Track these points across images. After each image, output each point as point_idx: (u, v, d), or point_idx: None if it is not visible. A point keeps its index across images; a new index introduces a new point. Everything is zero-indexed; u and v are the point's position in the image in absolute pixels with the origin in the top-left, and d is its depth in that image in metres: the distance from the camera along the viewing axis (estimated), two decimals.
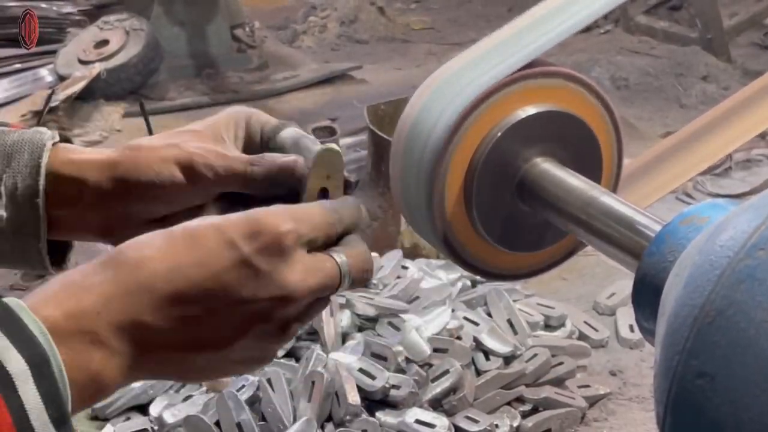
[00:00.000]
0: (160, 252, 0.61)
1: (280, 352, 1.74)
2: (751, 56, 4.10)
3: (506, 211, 0.78)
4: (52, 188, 0.75)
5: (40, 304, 0.58)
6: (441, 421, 1.63)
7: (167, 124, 3.31)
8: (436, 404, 1.69)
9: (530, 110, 0.77)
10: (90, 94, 3.36)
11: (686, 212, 0.62)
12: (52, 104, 3.16)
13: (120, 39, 3.47)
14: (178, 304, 0.60)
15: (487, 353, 1.80)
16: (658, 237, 0.63)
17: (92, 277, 0.60)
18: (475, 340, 1.80)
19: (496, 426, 1.67)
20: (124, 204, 0.74)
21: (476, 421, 1.67)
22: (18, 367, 0.54)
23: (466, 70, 0.77)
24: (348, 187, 0.74)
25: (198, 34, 3.66)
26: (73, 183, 0.75)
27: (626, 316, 2.04)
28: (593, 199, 0.73)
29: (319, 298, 0.65)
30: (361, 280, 0.66)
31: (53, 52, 3.64)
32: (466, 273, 1.91)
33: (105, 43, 3.51)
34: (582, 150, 0.80)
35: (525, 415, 1.73)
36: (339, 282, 0.65)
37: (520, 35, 0.78)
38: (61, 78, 3.46)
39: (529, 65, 0.76)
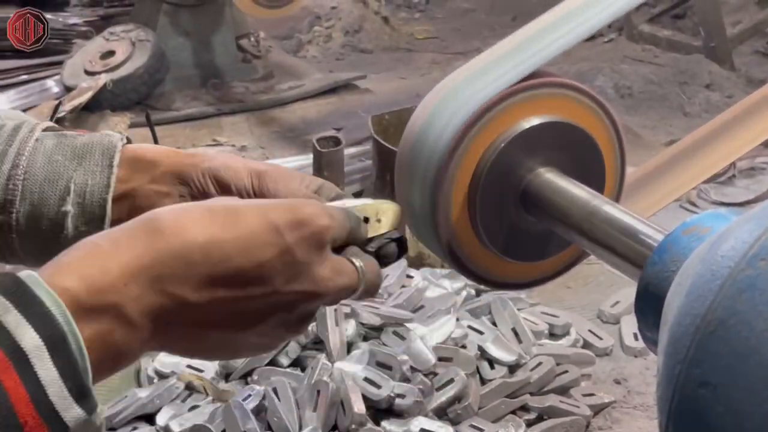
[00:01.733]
0: (199, 223, 0.59)
1: (286, 361, 1.74)
2: (755, 64, 4.10)
3: (510, 220, 0.79)
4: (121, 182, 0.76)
5: (61, 275, 0.57)
6: (446, 430, 1.63)
7: (173, 134, 3.31)
8: (441, 413, 1.69)
9: (533, 120, 0.77)
10: (96, 105, 3.37)
11: (688, 222, 0.63)
12: (59, 115, 3.18)
13: (126, 50, 3.49)
14: (212, 283, 0.59)
15: (492, 362, 1.80)
16: (660, 247, 0.63)
17: (121, 244, 0.58)
18: (480, 348, 1.80)
19: None
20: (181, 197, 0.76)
21: (481, 430, 1.67)
22: (32, 343, 0.53)
23: (470, 81, 0.78)
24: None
25: (203, 44, 3.67)
26: (146, 166, 0.77)
27: (630, 325, 2.04)
28: (596, 208, 0.74)
29: (337, 299, 0.66)
30: (372, 290, 0.67)
31: (59, 63, 3.65)
32: (470, 282, 1.91)
33: (111, 54, 3.53)
34: (585, 160, 0.80)
35: (530, 424, 1.73)
36: (356, 286, 0.66)
37: (523, 46, 0.79)
38: (68, 89, 3.47)
39: (532, 76, 0.77)
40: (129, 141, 0.81)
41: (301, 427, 1.62)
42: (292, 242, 0.61)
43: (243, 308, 0.61)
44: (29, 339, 0.53)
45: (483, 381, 1.77)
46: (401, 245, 0.73)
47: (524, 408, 1.76)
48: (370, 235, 0.70)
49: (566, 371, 1.83)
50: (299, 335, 0.68)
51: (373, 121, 2.41)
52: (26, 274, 0.57)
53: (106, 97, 3.40)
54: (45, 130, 0.81)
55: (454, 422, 1.68)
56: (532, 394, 1.78)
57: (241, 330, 0.62)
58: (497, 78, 0.76)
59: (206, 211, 0.60)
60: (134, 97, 3.48)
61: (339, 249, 0.67)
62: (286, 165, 3.02)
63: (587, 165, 0.80)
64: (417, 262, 2.09)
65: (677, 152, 0.94)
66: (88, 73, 3.49)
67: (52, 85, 3.61)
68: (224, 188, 0.76)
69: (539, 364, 1.81)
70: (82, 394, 0.55)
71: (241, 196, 0.74)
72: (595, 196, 0.76)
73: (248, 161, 0.78)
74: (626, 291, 2.12)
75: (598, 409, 1.80)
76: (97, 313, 0.56)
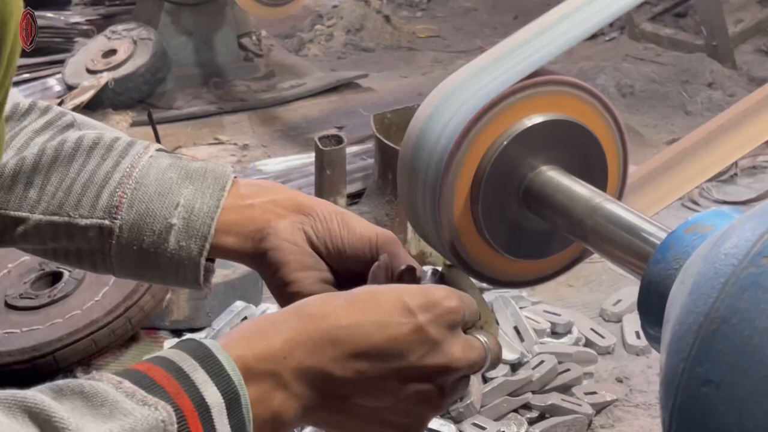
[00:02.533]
0: (343, 308, 0.66)
1: None
2: (757, 63, 4.10)
3: (512, 218, 0.79)
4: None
5: (234, 345, 0.63)
6: (448, 428, 1.63)
7: (175, 132, 3.32)
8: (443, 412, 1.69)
9: (536, 119, 0.77)
10: (98, 104, 3.38)
11: (691, 220, 0.63)
12: None
13: (128, 48, 3.49)
14: (355, 358, 0.65)
15: None
16: (663, 245, 0.63)
17: (280, 325, 0.65)
18: None
19: None
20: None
21: (483, 428, 1.67)
22: (215, 400, 0.60)
23: (472, 79, 0.78)
24: None
25: (205, 43, 3.67)
26: (267, 192, 0.81)
27: (633, 323, 2.04)
28: (599, 206, 0.74)
29: (466, 375, 0.71)
30: (497, 363, 0.74)
31: (61, 62, 3.65)
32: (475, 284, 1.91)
33: (113, 52, 3.53)
34: (587, 158, 0.80)
35: (532, 422, 1.73)
36: (485, 361, 0.72)
37: (525, 45, 0.79)
38: (70, 88, 3.48)
39: (535, 74, 0.77)
40: (237, 176, 0.83)
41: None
42: (423, 321, 0.67)
43: (383, 381, 0.67)
44: (213, 396, 0.60)
45: (485, 379, 1.78)
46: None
47: (526, 406, 1.76)
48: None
49: (568, 369, 1.84)
50: (438, 414, 0.73)
51: (375, 119, 2.41)
52: (209, 341, 0.63)
53: (108, 95, 3.41)
54: (159, 150, 0.84)
55: (457, 420, 1.68)
56: (534, 392, 1.78)
57: (382, 403, 0.67)
58: (499, 76, 0.76)
59: (350, 298, 0.68)
60: (136, 96, 3.48)
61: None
62: (288, 164, 3.03)
63: (590, 163, 0.80)
64: (419, 261, 2.10)
65: (679, 151, 0.94)
66: (89, 71, 3.49)
67: (54, 83, 3.61)
68: (350, 232, 0.79)
69: (541, 362, 1.81)
70: None
71: (357, 261, 0.79)
72: (598, 194, 0.76)
73: (377, 230, 0.81)
74: (628, 289, 2.12)
75: (600, 408, 1.80)
76: (263, 379, 0.63)
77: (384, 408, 0.68)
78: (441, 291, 0.70)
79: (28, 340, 1.93)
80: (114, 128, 0.88)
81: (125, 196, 0.79)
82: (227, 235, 0.80)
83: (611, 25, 4.25)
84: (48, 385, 0.59)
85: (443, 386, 0.69)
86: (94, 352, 1.94)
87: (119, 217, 0.79)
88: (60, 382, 0.59)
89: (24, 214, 0.80)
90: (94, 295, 1.99)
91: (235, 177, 0.82)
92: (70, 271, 2.04)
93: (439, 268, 0.80)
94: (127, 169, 0.80)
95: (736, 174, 2.82)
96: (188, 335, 2.03)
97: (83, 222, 0.79)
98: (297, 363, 0.64)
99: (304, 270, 0.78)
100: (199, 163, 0.82)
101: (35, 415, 0.55)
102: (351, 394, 0.66)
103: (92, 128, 0.85)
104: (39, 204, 0.80)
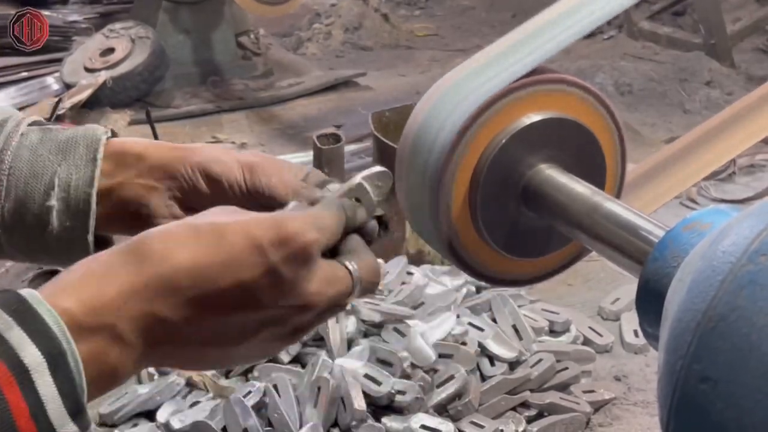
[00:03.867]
0: (186, 247, 0.60)
1: (286, 358, 1.74)
2: (755, 61, 4.10)
3: (511, 217, 0.79)
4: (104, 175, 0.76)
5: (60, 296, 0.58)
6: (446, 427, 1.63)
7: (173, 131, 3.31)
8: (441, 410, 1.69)
9: (534, 117, 0.77)
10: (96, 102, 3.38)
11: (689, 218, 0.63)
12: (59, 112, 3.18)
13: (126, 47, 3.49)
14: (198, 305, 0.60)
15: (492, 359, 1.80)
16: (661, 243, 0.63)
17: (114, 269, 0.60)
18: (480, 345, 1.80)
19: (502, 431, 1.67)
20: (166, 188, 0.76)
21: (481, 427, 1.67)
22: (34, 359, 0.55)
23: (470, 77, 0.78)
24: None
25: (203, 41, 3.67)
26: (132, 160, 0.76)
27: (631, 322, 2.04)
28: (597, 205, 0.74)
29: (331, 306, 0.66)
30: (370, 289, 0.67)
31: (59, 60, 3.65)
32: (470, 279, 1.91)
33: (111, 51, 3.53)
34: (586, 156, 0.80)
35: (530, 420, 1.73)
36: (351, 291, 0.66)
37: (523, 43, 0.79)
38: (68, 86, 3.47)
39: (533, 72, 0.77)
40: (114, 134, 0.80)
41: (301, 424, 1.62)
42: (276, 261, 0.61)
43: (231, 327, 0.62)
44: (31, 355, 0.55)
45: (483, 378, 1.78)
46: (381, 223, 0.72)
47: (524, 405, 1.76)
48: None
49: (566, 368, 1.84)
50: (294, 344, 0.69)
51: (374, 118, 2.41)
52: (28, 292, 0.58)
53: (106, 94, 3.40)
54: (31, 124, 0.80)
55: (455, 419, 1.68)
56: (532, 390, 1.78)
57: (232, 345, 0.63)
58: (497, 75, 0.76)
59: (192, 233, 0.61)
60: (134, 95, 3.48)
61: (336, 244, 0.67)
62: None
63: (588, 161, 0.80)
64: (417, 259, 2.10)
65: (677, 149, 0.94)
66: (87, 70, 3.49)
67: (52, 82, 3.61)
68: (214, 182, 0.75)
69: (539, 360, 1.81)
70: (77, 412, 0.56)
71: (233, 190, 0.75)
72: (596, 193, 0.76)
73: (238, 153, 0.77)
74: (627, 288, 2.12)
75: (598, 406, 1.80)
76: (93, 333, 0.58)
77: (231, 349, 0.63)
78: (296, 222, 0.63)
79: None
80: (6, 106, 0.85)
81: (1, 183, 0.76)
82: (109, 217, 0.77)
83: (609, 23, 4.25)
84: None
85: (299, 324, 0.64)
86: None
87: (0, 205, 0.76)
88: None
89: None
90: None
91: (108, 137, 0.78)
92: None
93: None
94: (0, 154, 0.77)
95: (734, 172, 2.83)
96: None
97: None
98: (133, 312, 0.59)
99: None
100: (69, 132, 0.78)
101: None
102: (193, 341, 0.62)
103: None
104: None
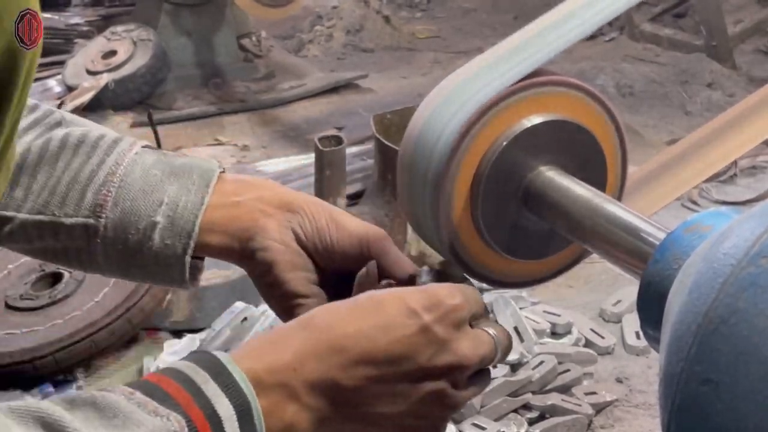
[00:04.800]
0: (348, 317, 0.67)
1: None
2: (756, 63, 4.10)
3: (512, 219, 0.79)
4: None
5: (244, 358, 0.64)
6: (448, 428, 1.63)
7: (175, 133, 3.32)
8: None
9: (535, 119, 0.77)
10: (98, 105, 3.38)
11: (690, 220, 0.63)
12: None
13: (127, 49, 3.49)
14: (364, 364, 0.66)
15: None
16: (662, 245, 0.63)
17: (288, 338, 0.66)
18: None
19: None
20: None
21: (483, 429, 1.67)
22: (227, 412, 0.60)
23: (471, 80, 0.78)
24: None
25: (205, 44, 3.67)
26: (254, 188, 0.80)
27: (632, 323, 2.04)
28: (598, 207, 0.74)
29: (481, 370, 0.71)
30: (507, 352, 0.73)
31: (61, 63, 3.66)
32: (472, 281, 1.91)
33: (113, 53, 3.53)
34: (587, 158, 0.80)
35: (532, 422, 1.73)
36: (495, 353, 0.71)
37: (525, 45, 0.79)
38: (70, 88, 3.48)
39: (534, 74, 0.77)
40: (224, 170, 0.82)
41: None
42: (429, 321, 0.67)
43: (393, 385, 0.67)
44: (224, 408, 0.60)
45: None
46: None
47: (526, 406, 1.76)
48: None
49: (568, 370, 1.84)
50: (453, 413, 0.73)
51: (375, 120, 2.41)
52: (220, 353, 0.64)
53: (108, 96, 3.41)
54: (144, 147, 0.83)
55: (457, 421, 1.69)
56: (534, 392, 1.78)
57: (396, 408, 0.67)
58: (499, 77, 0.76)
59: (353, 305, 0.68)
60: (136, 97, 3.48)
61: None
62: (288, 164, 3.03)
63: (589, 163, 0.80)
64: (419, 261, 2.10)
65: (678, 151, 0.94)
66: (89, 72, 3.50)
67: (54, 84, 3.61)
68: (328, 246, 0.78)
69: (541, 362, 1.81)
70: None
71: (345, 261, 0.78)
72: (597, 195, 0.76)
73: (366, 227, 0.80)
74: (628, 290, 2.12)
75: (599, 408, 1.80)
76: (274, 390, 0.64)
77: (398, 413, 0.68)
78: (444, 289, 0.70)
79: (29, 341, 1.93)
80: (102, 126, 0.87)
81: (110, 194, 0.78)
82: (213, 234, 0.78)
83: (611, 25, 4.26)
84: (61, 396, 0.59)
85: (456, 383, 0.69)
86: (94, 353, 1.95)
87: (104, 215, 0.78)
88: (72, 394, 0.60)
89: (10, 214, 0.79)
90: (95, 296, 1.99)
91: (222, 172, 0.81)
92: (70, 273, 2.05)
93: (435, 266, 0.80)
94: (112, 167, 0.79)
95: (735, 174, 2.83)
96: (188, 336, 2.03)
97: (68, 221, 0.78)
98: (307, 374, 0.64)
99: (294, 270, 0.78)
100: (184, 159, 0.81)
101: (49, 425, 0.55)
102: (363, 401, 0.66)
103: (81, 126, 0.84)
104: (25, 203, 0.79)
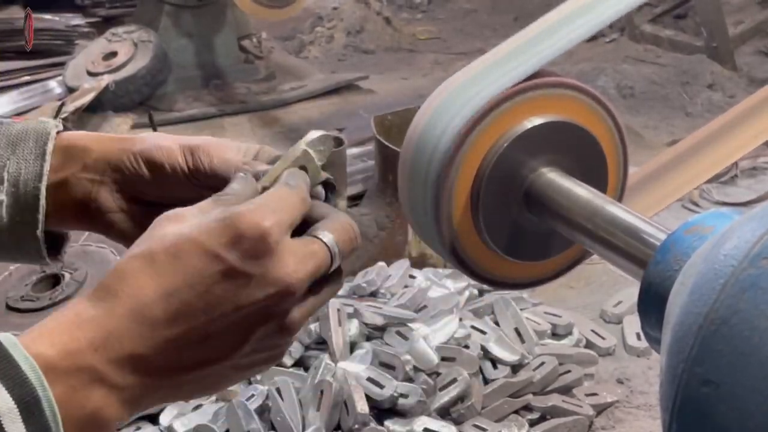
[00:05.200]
0: (149, 279, 0.60)
1: (289, 361, 1.74)
2: (757, 64, 4.10)
3: (513, 220, 0.79)
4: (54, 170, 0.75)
5: (35, 341, 0.57)
6: (449, 430, 1.63)
7: (176, 134, 3.32)
8: (444, 413, 1.69)
9: (536, 120, 0.78)
10: (99, 106, 3.38)
11: (691, 221, 0.63)
12: (62, 116, 3.18)
13: (128, 51, 3.50)
14: (175, 327, 0.60)
15: (495, 362, 1.80)
16: (663, 246, 0.63)
17: (87, 313, 0.59)
18: (483, 348, 1.81)
19: None
20: (121, 181, 0.75)
21: (484, 430, 1.67)
22: (6, 405, 0.53)
23: (472, 81, 0.78)
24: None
25: (206, 45, 3.68)
26: (78, 154, 0.75)
27: (633, 325, 2.04)
28: (599, 208, 0.74)
29: (319, 282, 0.64)
30: (351, 251, 0.65)
31: (62, 64, 3.66)
32: (473, 282, 1.91)
33: (113, 54, 3.53)
34: (588, 159, 0.80)
35: (532, 423, 1.73)
36: (331, 261, 0.64)
37: (525, 46, 0.79)
38: (70, 90, 3.48)
39: (535, 76, 0.77)
40: (65, 128, 0.78)
41: (304, 427, 1.62)
42: (234, 261, 0.60)
43: (215, 338, 0.61)
44: (3, 402, 0.53)
45: (486, 381, 1.78)
46: (328, 187, 0.71)
47: (527, 408, 1.76)
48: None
49: (569, 371, 1.84)
50: (293, 337, 0.66)
51: (376, 121, 2.42)
52: (4, 336, 0.57)
53: (109, 98, 3.41)
54: None
55: (457, 422, 1.69)
56: (534, 393, 1.78)
57: (227, 358, 0.62)
58: (500, 78, 0.77)
59: (150, 262, 0.61)
60: (136, 98, 3.49)
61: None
62: None
63: (590, 165, 0.80)
64: (420, 262, 2.10)
65: (679, 152, 0.94)
66: (90, 74, 3.50)
67: (55, 86, 3.62)
68: (157, 169, 0.74)
69: (542, 363, 1.81)
70: None
71: (176, 174, 0.73)
72: (598, 196, 0.76)
73: (180, 137, 0.76)
74: (629, 291, 2.12)
75: (600, 409, 1.80)
76: (72, 376, 0.57)
77: (229, 359, 0.62)
78: (248, 214, 0.61)
79: None
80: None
81: None
82: (59, 211, 0.76)
83: (611, 26, 4.26)
84: None
85: (286, 310, 0.62)
86: None
87: None
88: None
89: None
90: None
91: (59, 131, 0.77)
92: (71, 274, 2.05)
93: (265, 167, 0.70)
94: None
95: (736, 175, 2.83)
96: None
97: None
98: (112, 352, 0.58)
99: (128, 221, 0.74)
100: (20, 125, 0.77)
101: None
102: (184, 366, 0.61)
103: None
104: None
